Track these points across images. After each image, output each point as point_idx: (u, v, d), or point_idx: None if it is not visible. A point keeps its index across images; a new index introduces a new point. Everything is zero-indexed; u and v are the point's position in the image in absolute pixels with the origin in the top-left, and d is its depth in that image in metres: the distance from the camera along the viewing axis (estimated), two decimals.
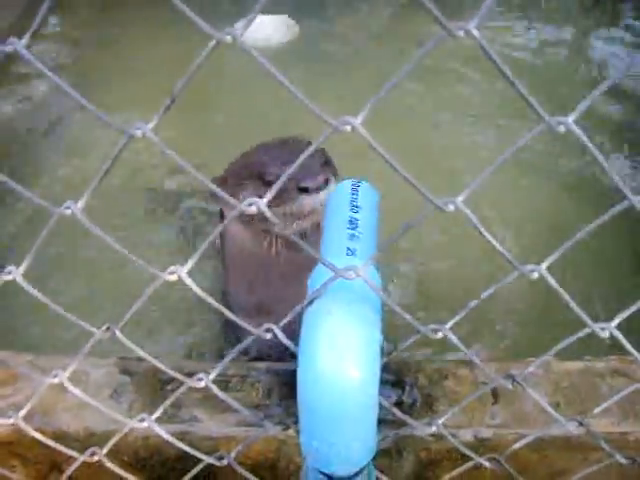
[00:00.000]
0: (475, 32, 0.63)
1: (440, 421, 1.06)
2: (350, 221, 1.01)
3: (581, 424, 1.05)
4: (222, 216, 1.87)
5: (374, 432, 0.95)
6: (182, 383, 1.06)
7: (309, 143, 1.64)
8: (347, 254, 0.95)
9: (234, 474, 1.18)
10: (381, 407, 1.00)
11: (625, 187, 0.73)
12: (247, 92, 3.28)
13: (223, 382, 1.38)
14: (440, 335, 0.90)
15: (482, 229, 0.78)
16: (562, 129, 0.69)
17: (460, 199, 0.76)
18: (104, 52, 3.83)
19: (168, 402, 1.07)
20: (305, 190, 1.53)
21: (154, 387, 1.39)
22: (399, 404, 1.33)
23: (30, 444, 1.33)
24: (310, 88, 0.66)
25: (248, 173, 1.69)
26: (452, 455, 1.29)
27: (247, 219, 1.66)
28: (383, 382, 1.34)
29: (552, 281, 0.84)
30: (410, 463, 1.31)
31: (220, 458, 1.13)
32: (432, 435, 1.28)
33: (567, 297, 0.85)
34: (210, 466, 1.19)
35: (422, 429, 1.05)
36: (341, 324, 0.86)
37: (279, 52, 3.60)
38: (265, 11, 3.74)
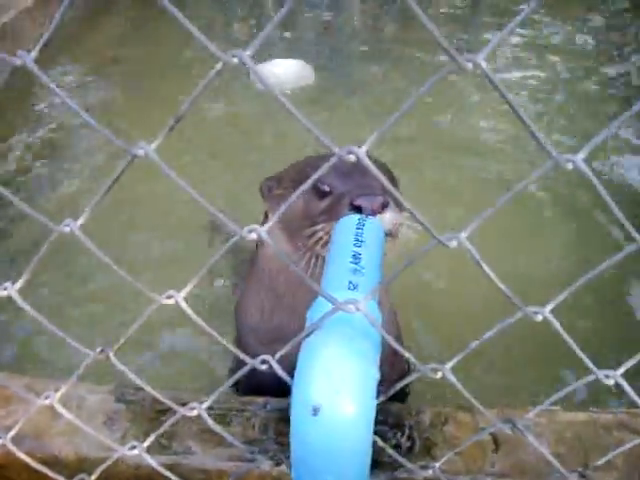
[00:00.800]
0: (483, 64, 0.62)
1: (437, 465, 1.03)
2: (354, 255, 0.99)
3: (583, 476, 1.01)
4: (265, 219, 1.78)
5: (367, 471, 0.93)
6: (176, 413, 1.04)
7: (382, 164, 1.54)
8: (349, 288, 0.93)
9: None
10: (377, 448, 0.98)
11: (632, 228, 0.71)
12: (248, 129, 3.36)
13: (220, 415, 1.36)
14: (439, 375, 0.88)
15: (484, 266, 0.76)
16: (570, 167, 0.69)
17: (464, 235, 0.75)
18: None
19: (160, 430, 1.05)
20: (358, 210, 1.30)
21: (149, 416, 1.37)
22: (397, 447, 1.29)
23: (20, 468, 1.31)
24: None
25: (304, 178, 1.53)
26: None
27: (294, 229, 1.49)
28: (382, 423, 1.33)
29: (556, 324, 0.82)
30: None
31: None
32: None
33: (571, 341, 0.83)
34: None
35: (419, 472, 1.02)
36: (338, 358, 0.84)
37: (292, 96, 3.65)
38: (282, 55, 3.83)
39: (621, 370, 0.87)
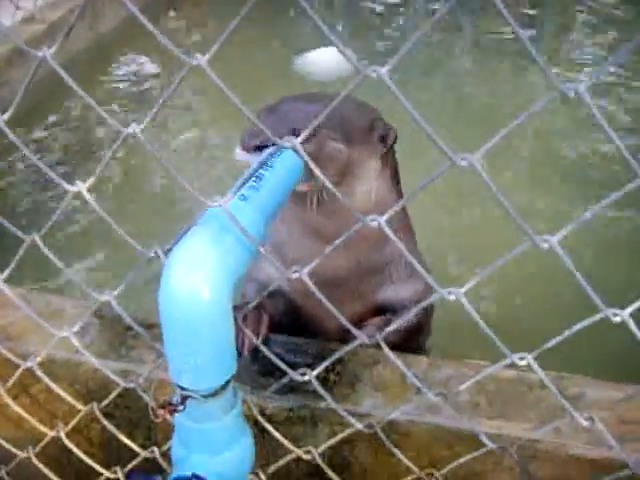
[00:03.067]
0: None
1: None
2: (257, 176, 1.11)
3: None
4: None
5: (229, 351, 1.03)
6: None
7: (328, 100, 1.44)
8: (239, 197, 1.05)
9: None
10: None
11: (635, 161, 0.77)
12: None
13: None
14: (453, 298, 0.93)
15: (494, 187, 0.82)
16: (572, 94, 0.74)
17: (476, 156, 0.81)
18: None
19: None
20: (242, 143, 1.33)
21: (116, 330, 1.53)
22: (325, 379, 1.39)
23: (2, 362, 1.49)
24: None
25: None
26: (366, 435, 1.32)
27: None
28: (315, 357, 1.43)
29: (562, 253, 0.85)
30: (325, 435, 1.36)
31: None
32: (351, 413, 1.33)
33: (578, 274, 0.87)
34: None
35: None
36: (198, 244, 0.96)
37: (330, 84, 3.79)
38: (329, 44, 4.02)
39: (629, 309, 0.88)
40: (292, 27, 4.62)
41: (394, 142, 1.54)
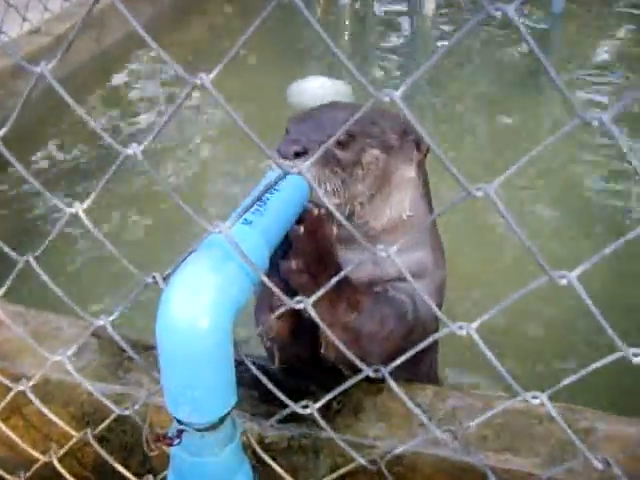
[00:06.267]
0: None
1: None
2: (261, 199, 1.07)
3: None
4: None
5: (228, 384, 0.99)
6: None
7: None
8: (242, 222, 1.01)
9: None
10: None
11: None
12: None
13: None
14: (464, 332, 0.90)
15: (510, 220, 0.79)
16: (595, 124, 0.71)
17: (492, 186, 0.77)
18: None
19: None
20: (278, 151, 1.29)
21: (113, 352, 1.49)
22: (327, 408, 1.34)
23: None
24: None
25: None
26: (368, 468, 1.28)
27: None
28: (320, 387, 1.38)
29: (582, 290, 0.81)
30: (326, 466, 1.32)
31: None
32: (355, 444, 1.28)
33: (596, 311, 0.83)
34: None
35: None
36: (199, 272, 0.92)
37: None
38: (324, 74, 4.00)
39: None
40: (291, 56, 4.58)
41: (427, 152, 1.51)
